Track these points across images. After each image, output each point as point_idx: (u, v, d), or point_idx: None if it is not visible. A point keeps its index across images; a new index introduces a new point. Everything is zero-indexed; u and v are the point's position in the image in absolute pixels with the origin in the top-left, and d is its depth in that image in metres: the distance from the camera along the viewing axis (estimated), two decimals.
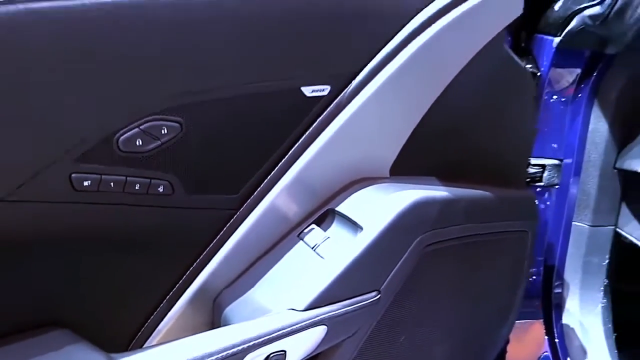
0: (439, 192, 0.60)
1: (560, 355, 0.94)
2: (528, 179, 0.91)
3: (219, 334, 0.50)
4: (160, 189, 0.48)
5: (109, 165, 0.46)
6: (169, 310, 0.55)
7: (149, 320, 0.54)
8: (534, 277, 0.98)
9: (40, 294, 0.49)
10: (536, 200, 0.83)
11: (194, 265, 0.55)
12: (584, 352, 0.93)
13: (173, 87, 0.47)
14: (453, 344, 0.75)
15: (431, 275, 0.63)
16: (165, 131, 0.47)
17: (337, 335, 0.56)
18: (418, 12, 0.55)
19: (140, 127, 0.46)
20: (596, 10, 0.76)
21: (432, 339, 0.71)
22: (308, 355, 0.55)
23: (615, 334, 0.98)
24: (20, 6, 0.40)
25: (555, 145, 0.90)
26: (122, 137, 0.45)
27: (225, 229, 0.55)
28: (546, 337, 0.96)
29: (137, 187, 0.47)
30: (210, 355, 0.48)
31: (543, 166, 0.90)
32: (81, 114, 0.44)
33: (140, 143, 0.46)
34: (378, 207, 0.57)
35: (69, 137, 0.44)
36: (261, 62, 0.50)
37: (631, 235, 0.90)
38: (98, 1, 0.42)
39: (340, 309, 0.54)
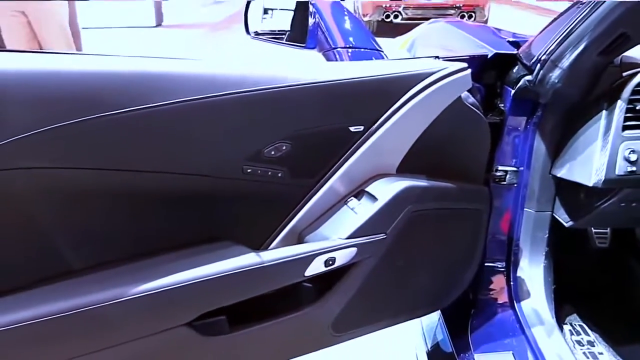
0: (421, 182, 1.10)
1: (513, 295, 1.40)
2: (496, 180, 1.37)
3: (303, 246, 1.02)
4: (279, 174, 1.01)
5: (258, 162, 0.98)
6: (276, 237, 1.07)
7: (267, 240, 1.07)
8: (501, 245, 1.45)
9: (217, 223, 1.02)
10: (491, 192, 1.30)
11: (290, 214, 1.06)
12: (529, 294, 1.39)
13: (288, 130, 0.98)
14: (432, 275, 1.24)
15: (417, 229, 1.13)
16: (284, 147, 0.99)
17: (362, 255, 1.06)
18: (407, 91, 1.05)
19: (273, 145, 0.98)
20: (529, 77, 1.22)
21: (418, 269, 1.20)
22: (346, 263, 1.06)
23: (554, 286, 1.43)
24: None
25: (514, 159, 1.37)
26: (265, 150, 0.97)
27: (306, 196, 1.06)
28: (505, 283, 1.42)
29: (269, 173, 0.99)
30: (299, 254, 1.00)
31: (506, 171, 1.36)
32: (251, 142, 0.96)
33: (273, 153, 0.98)
34: (387, 189, 1.07)
35: (245, 151, 0.96)
36: (331, 115, 1.01)
37: (560, 218, 1.35)
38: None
39: (364, 240, 1.05)
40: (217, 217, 1.01)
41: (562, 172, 1.25)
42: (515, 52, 1.29)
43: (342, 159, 1.04)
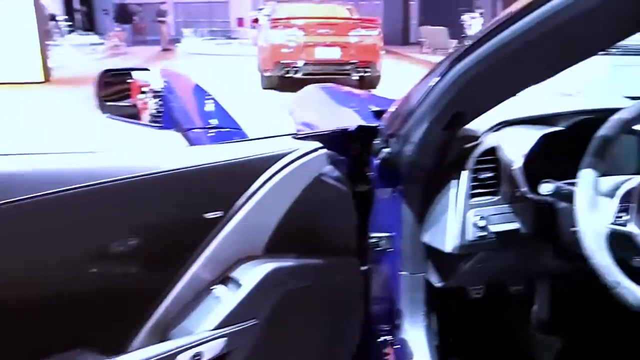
0: (288, 262, 1.11)
1: (400, 357, 1.42)
2: (371, 246, 1.40)
3: (165, 345, 0.97)
4: (133, 271, 0.97)
5: (106, 260, 0.94)
6: (137, 337, 1.01)
7: (128, 342, 1.01)
8: (384, 310, 1.47)
9: (69, 331, 0.95)
10: (366, 260, 1.33)
11: (150, 310, 1.00)
12: (412, 355, 1.41)
13: (138, 223, 0.96)
14: (312, 352, 1.22)
15: (289, 310, 1.11)
16: (135, 242, 0.95)
17: (233, 345, 1.03)
18: (262, 174, 1.06)
19: (123, 240, 0.95)
20: (388, 149, 1.28)
21: (296, 349, 1.18)
22: (216, 356, 1.02)
23: (437, 343, 1.47)
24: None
25: (385, 225, 1.41)
26: (113, 246, 0.94)
27: (167, 289, 1.01)
28: (391, 347, 1.44)
29: (119, 270, 0.96)
30: (159, 354, 0.95)
31: (380, 237, 1.40)
32: (98, 240, 0.93)
33: (122, 249, 0.95)
34: (253, 272, 1.06)
35: (91, 250, 0.93)
36: (186, 203, 1.01)
37: (431, 279, 1.37)
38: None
39: (233, 329, 1.02)
40: (69, 324, 0.95)
41: (427, 239, 1.31)
42: (377, 124, 1.35)
43: (201, 247, 1.03)
